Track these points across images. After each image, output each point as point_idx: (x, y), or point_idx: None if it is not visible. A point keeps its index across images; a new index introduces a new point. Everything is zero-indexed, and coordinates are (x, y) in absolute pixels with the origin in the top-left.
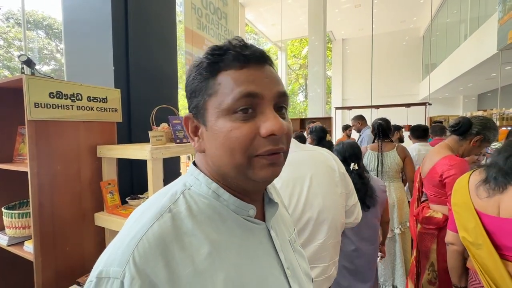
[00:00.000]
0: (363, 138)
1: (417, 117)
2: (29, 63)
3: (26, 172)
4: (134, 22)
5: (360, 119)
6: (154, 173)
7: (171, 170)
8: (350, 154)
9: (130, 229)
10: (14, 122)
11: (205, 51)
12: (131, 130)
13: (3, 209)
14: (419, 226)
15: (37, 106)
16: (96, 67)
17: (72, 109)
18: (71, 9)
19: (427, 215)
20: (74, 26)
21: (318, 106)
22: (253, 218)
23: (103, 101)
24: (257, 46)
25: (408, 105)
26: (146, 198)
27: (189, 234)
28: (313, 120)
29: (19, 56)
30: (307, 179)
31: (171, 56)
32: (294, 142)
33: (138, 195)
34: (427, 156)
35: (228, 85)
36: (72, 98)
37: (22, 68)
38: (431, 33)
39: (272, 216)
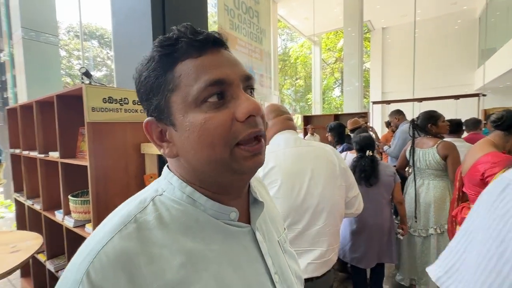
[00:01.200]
0: (396, 134)
1: (469, 110)
2: (87, 74)
3: (86, 166)
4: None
5: (398, 114)
6: None
7: None
8: (366, 144)
9: (87, 244)
10: (76, 124)
11: (154, 44)
12: None
13: (69, 197)
14: (457, 227)
15: (93, 110)
16: None
17: (121, 112)
18: (119, 23)
19: (466, 216)
20: (121, 37)
21: (354, 101)
22: (235, 221)
23: None
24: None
25: (456, 97)
26: None
27: (159, 245)
28: (363, 115)
29: (80, 69)
30: (309, 171)
31: None
32: (299, 138)
33: None
34: (468, 153)
35: (191, 75)
36: (121, 102)
37: (82, 78)
38: (489, 14)
39: (258, 216)
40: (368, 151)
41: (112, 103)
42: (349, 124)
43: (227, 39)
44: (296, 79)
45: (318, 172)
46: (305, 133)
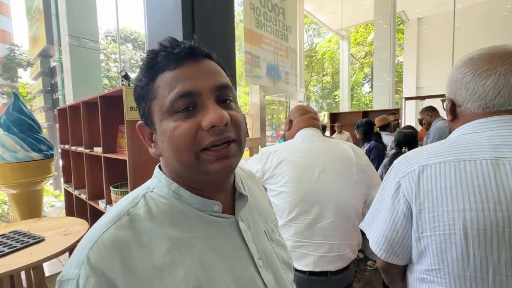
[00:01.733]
0: (430, 132)
1: None
2: (126, 76)
3: (125, 160)
4: (199, 35)
5: (430, 110)
6: None
7: None
8: (402, 140)
9: (88, 234)
10: (116, 122)
11: (144, 55)
12: None
13: (111, 188)
14: None
15: (131, 110)
16: None
17: None
18: (152, 27)
19: None
20: (155, 41)
21: (385, 97)
22: (219, 213)
23: None
24: (205, 51)
25: None
26: None
27: (148, 233)
28: (394, 112)
29: (120, 72)
30: (320, 164)
31: (231, 62)
32: (318, 134)
33: None
34: None
35: (165, 87)
36: None
37: (122, 80)
38: None
39: (241, 208)
40: (404, 147)
41: None
42: (377, 121)
43: (204, 51)
44: (323, 76)
45: (330, 166)
46: (332, 131)
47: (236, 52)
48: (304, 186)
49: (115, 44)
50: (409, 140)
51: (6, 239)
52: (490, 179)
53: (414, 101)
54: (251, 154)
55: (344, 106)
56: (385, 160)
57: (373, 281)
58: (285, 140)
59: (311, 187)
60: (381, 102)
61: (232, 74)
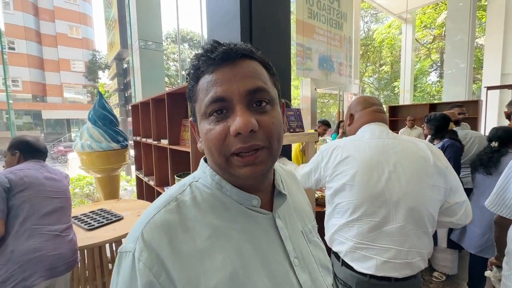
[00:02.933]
0: None
1: None
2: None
3: (189, 152)
4: (256, 32)
5: None
6: None
7: (286, 153)
8: (492, 135)
9: (143, 214)
10: (180, 117)
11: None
12: None
13: (175, 176)
14: None
15: None
16: None
17: None
18: (213, 27)
19: None
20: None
21: (459, 86)
22: (257, 208)
23: None
24: (239, 46)
25: None
26: None
27: (193, 220)
28: (457, 104)
29: (185, 70)
30: (391, 164)
31: (286, 56)
32: (386, 131)
33: None
34: None
35: (202, 91)
36: None
37: (186, 78)
38: None
39: (279, 206)
40: (493, 142)
41: None
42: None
43: (242, 51)
44: (381, 65)
45: (403, 166)
46: (393, 126)
47: None
48: (372, 187)
49: (173, 45)
50: (504, 135)
51: (95, 215)
52: None
53: (497, 91)
54: (306, 150)
55: (405, 98)
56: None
57: None
58: (345, 136)
59: (379, 188)
60: (453, 92)
61: (287, 68)
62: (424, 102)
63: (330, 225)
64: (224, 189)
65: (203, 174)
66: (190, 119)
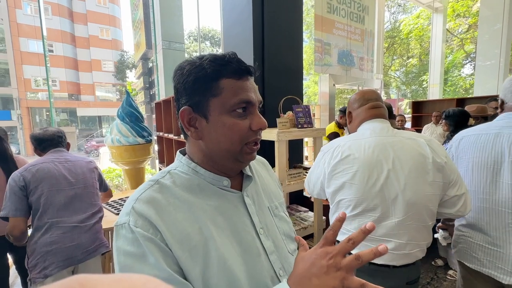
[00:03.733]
0: None
1: None
2: None
3: None
4: (268, 31)
5: None
6: (279, 151)
7: (297, 149)
8: None
9: (131, 196)
10: None
11: (206, 58)
12: (265, 116)
13: None
14: None
15: None
16: None
17: None
18: (227, 26)
19: None
20: (229, 40)
21: (492, 79)
22: (228, 187)
23: None
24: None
25: None
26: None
27: (173, 197)
28: (495, 98)
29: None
30: (389, 162)
31: (298, 53)
32: (387, 127)
33: None
34: None
35: (231, 91)
36: None
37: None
38: None
39: (247, 186)
40: None
41: None
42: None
43: (253, 70)
44: (408, 58)
45: (401, 164)
46: (416, 122)
47: (307, 40)
48: (371, 185)
49: (196, 43)
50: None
51: (123, 202)
52: None
53: None
54: (315, 145)
55: (434, 93)
56: None
57: None
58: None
59: (378, 187)
60: (486, 86)
61: (298, 66)
62: (451, 97)
63: (333, 219)
64: (199, 174)
65: (180, 163)
66: (185, 107)
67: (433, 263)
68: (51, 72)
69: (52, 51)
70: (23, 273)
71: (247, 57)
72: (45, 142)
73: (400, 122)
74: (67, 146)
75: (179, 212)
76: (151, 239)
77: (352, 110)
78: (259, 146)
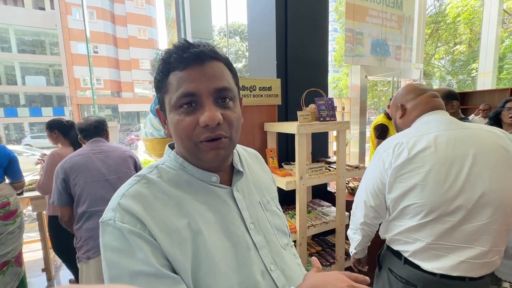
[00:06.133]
0: None
1: None
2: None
3: None
4: (291, 23)
5: None
6: (299, 144)
7: (320, 143)
8: None
9: (118, 191)
10: None
11: (162, 53)
12: (288, 110)
13: None
14: None
15: None
16: (265, 62)
17: (250, 97)
18: (252, 20)
19: None
20: (253, 33)
21: None
22: (217, 183)
23: (269, 89)
24: (204, 42)
25: None
26: (294, 165)
27: (161, 192)
28: None
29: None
30: (469, 157)
31: (323, 44)
32: (454, 120)
33: (290, 162)
34: None
35: (174, 85)
36: (250, 89)
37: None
38: None
39: (237, 181)
40: None
41: (244, 90)
42: None
43: (210, 54)
44: (455, 45)
45: (483, 158)
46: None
47: (339, 30)
48: (449, 188)
49: (226, 38)
50: None
51: None
52: None
53: None
54: (338, 139)
55: (486, 83)
56: None
57: None
58: (397, 130)
59: (458, 186)
60: None
61: (323, 59)
62: (506, 87)
63: (393, 226)
64: (187, 169)
65: (168, 158)
66: (157, 107)
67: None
68: (96, 72)
69: (97, 52)
70: (59, 254)
71: (270, 50)
72: (85, 131)
73: (485, 111)
74: (106, 134)
75: (167, 207)
76: (139, 234)
77: (406, 101)
78: (222, 141)
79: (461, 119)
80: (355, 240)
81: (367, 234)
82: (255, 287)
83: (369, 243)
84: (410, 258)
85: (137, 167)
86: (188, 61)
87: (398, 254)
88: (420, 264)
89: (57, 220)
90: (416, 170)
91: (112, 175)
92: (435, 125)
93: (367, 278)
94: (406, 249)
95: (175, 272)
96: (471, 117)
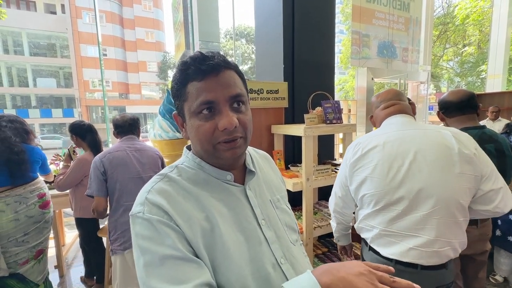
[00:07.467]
0: None
1: None
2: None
3: None
4: (298, 27)
5: None
6: (306, 147)
7: (327, 145)
8: None
9: (144, 187)
10: None
11: (180, 63)
12: (294, 112)
13: None
14: None
15: None
16: (273, 66)
17: (258, 100)
18: (259, 24)
19: None
20: (260, 38)
21: None
22: (231, 181)
23: (276, 92)
24: (217, 53)
25: None
26: (301, 167)
27: (181, 189)
28: None
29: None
30: (410, 154)
31: (329, 48)
32: (411, 122)
33: (297, 164)
34: None
35: (193, 94)
36: (258, 92)
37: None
38: None
39: (249, 180)
40: None
41: (252, 93)
42: None
43: (224, 64)
44: (464, 46)
45: (424, 156)
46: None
47: (346, 32)
48: (391, 180)
49: (232, 41)
50: None
51: None
52: None
53: None
54: (344, 141)
55: (496, 84)
56: None
57: None
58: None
59: (399, 179)
60: None
61: (329, 62)
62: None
63: (358, 215)
64: (204, 168)
65: (186, 159)
66: (174, 112)
67: (491, 279)
68: (105, 74)
69: (106, 55)
70: (84, 247)
71: (278, 54)
72: (120, 128)
73: (494, 113)
74: (138, 132)
75: (187, 202)
76: (166, 223)
77: (373, 111)
78: (237, 141)
79: (476, 127)
80: (333, 227)
81: (340, 222)
82: (266, 278)
83: (349, 231)
84: (371, 245)
85: (163, 167)
86: (205, 73)
87: (365, 242)
88: (379, 250)
89: (84, 221)
90: (366, 165)
91: (146, 173)
92: (394, 126)
93: (391, 268)
94: (367, 236)
95: (198, 258)
96: (483, 121)
